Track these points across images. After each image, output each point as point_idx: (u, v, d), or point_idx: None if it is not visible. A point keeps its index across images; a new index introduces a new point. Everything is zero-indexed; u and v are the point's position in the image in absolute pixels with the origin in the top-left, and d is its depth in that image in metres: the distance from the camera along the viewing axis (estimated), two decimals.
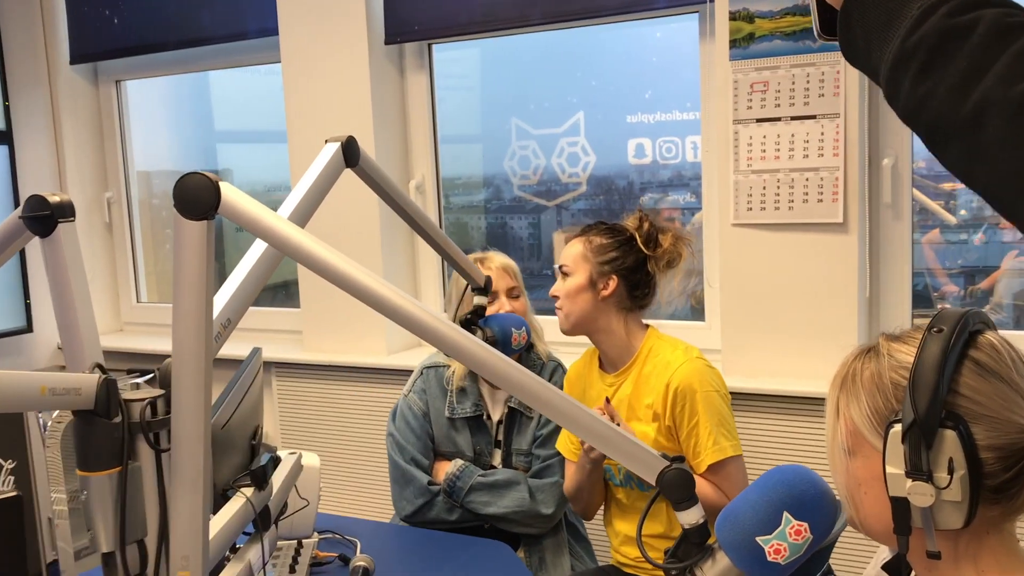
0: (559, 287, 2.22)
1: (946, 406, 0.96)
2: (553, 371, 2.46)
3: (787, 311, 2.66)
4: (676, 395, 2.07)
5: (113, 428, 1.11)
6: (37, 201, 1.25)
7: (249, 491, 1.46)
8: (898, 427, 0.97)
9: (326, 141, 1.55)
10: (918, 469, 0.95)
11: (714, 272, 2.83)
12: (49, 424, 3.38)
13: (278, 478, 1.68)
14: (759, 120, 2.65)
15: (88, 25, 3.85)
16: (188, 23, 3.62)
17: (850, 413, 1.05)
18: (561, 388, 2.39)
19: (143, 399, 1.15)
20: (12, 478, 3.47)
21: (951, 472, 0.95)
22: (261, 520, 1.51)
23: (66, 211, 1.27)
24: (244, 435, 1.73)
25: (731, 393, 2.66)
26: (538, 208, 3.47)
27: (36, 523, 3.48)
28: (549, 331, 2.58)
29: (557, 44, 3.34)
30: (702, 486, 2.08)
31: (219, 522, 1.34)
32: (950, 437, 0.95)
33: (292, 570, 1.97)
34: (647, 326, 2.25)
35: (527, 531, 2.31)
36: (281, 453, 2.14)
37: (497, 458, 2.40)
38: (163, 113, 4.25)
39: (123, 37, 3.78)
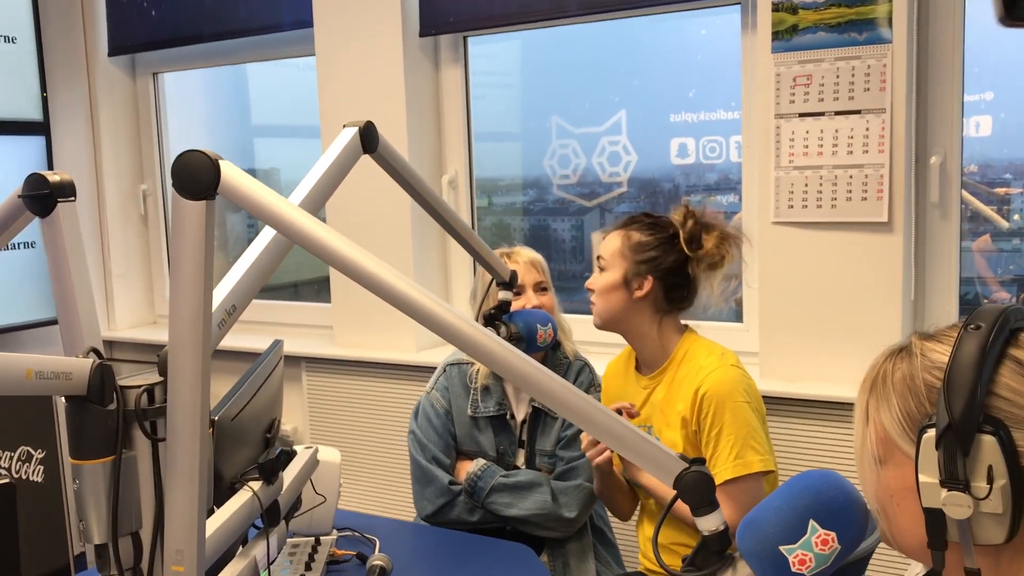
0: (594, 280, 2.14)
1: (984, 409, 0.88)
2: (580, 371, 2.39)
3: (828, 313, 2.57)
4: (703, 401, 1.98)
5: (107, 415, 1.07)
6: (36, 180, 1.21)
7: (257, 485, 1.41)
8: (931, 432, 0.89)
9: (344, 126, 1.49)
10: (954, 478, 0.87)
11: (753, 272, 2.74)
12: None
13: (291, 473, 1.63)
14: (802, 115, 2.56)
15: (126, 17, 3.86)
16: (224, 15, 3.61)
17: (880, 418, 0.97)
18: (586, 388, 2.33)
19: (139, 386, 1.11)
20: (42, 467, 3.49)
21: (991, 481, 0.87)
22: (268, 515, 1.46)
23: (66, 190, 1.24)
24: (258, 428, 1.69)
25: (768, 397, 2.58)
26: (581, 210, 3.40)
27: (65, 514, 3.49)
28: (578, 330, 2.51)
29: (599, 41, 3.28)
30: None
31: (222, 516, 1.29)
32: (989, 443, 0.87)
33: (308, 567, 1.92)
34: (685, 327, 2.16)
35: (549, 534, 2.24)
36: (302, 448, 2.11)
37: (521, 458, 2.33)
38: (201, 107, 4.25)
39: (160, 29, 3.78)
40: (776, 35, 2.57)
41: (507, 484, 2.24)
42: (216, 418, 1.42)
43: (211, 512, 1.32)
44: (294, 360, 3.50)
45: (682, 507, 1.82)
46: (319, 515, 2.07)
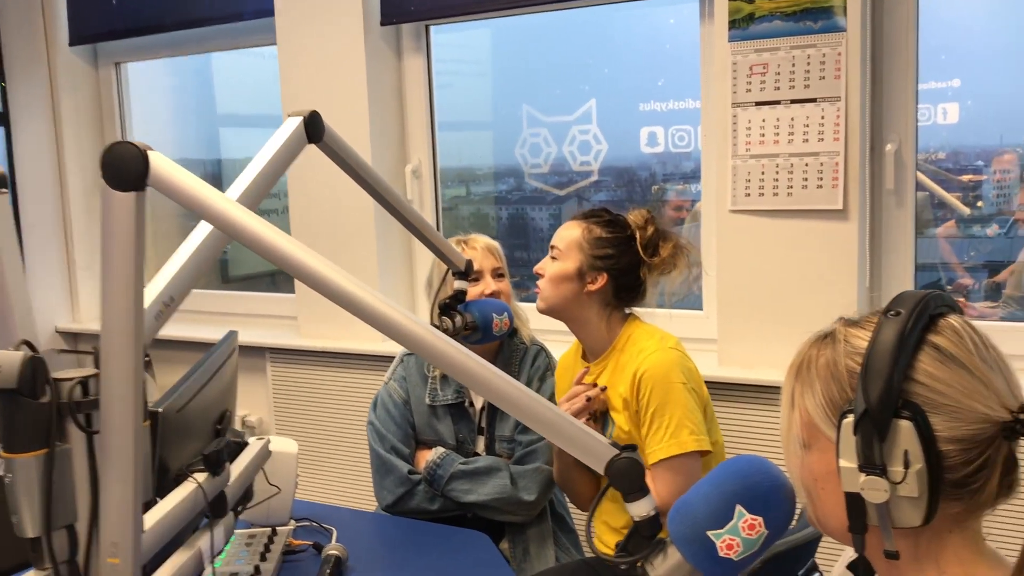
0: (545, 266, 2.15)
1: (902, 394, 0.90)
2: (536, 356, 2.40)
3: (784, 300, 2.59)
4: (641, 381, 2.00)
5: (39, 408, 1.07)
6: None
7: (202, 476, 1.41)
8: (851, 417, 0.90)
9: (288, 115, 1.49)
10: (871, 463, 0.89)
11: (711, 261, 2.76)
12: None
13: (240, 464, 1.63)
14: (758, 103, 2.58)
15: (87, 6, 3.82)
16: (186, 4, 3.58)
17: (805, 403, 0.98)
18: (543, 373, 2.35)
19: (72, 378, 1.10)
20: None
21: (907, 466, 0.88)
22: (214, 507, 1.46)
23: None
24: (207, 419, 1.69)
25: (726, 384, 2.61)
26: (558, 199, 3.41)
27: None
28: (534, 316, 2.52)
29: (569, 31, 3.29)
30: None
31: (164, 507, 1.29)
32: (905, 428, 0.88)
33: (263, 558, 1.92)
34: (629, 314, 2.18)
35: (510, 519, 2.25)
36: (254, 439, 2.11)
37: (480, 445, 2.34)
38: (165, 97, 4.22)
39: (122, 18, 3.75)
40: (733, 24, 2.58)
41: (466, 471, 2.25)
42: (160, 410, 1.42)
43: (154, 504, 1.33)
44: (258, 351, 3.49)
45: None
46: (276, 505, 2.07)
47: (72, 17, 3.86)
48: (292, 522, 2.11)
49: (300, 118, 1.48)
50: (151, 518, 1.23)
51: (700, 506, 1.00)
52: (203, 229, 1.29)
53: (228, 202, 1.04)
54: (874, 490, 0.89)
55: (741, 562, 0.99)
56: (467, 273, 2.02)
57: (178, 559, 1.37)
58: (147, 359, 3.55)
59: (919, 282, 2.74)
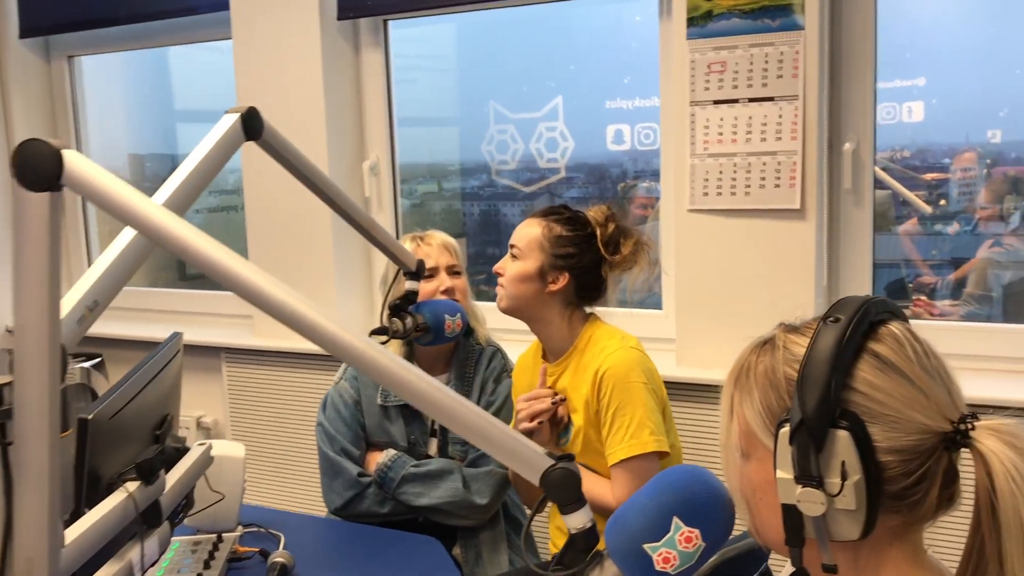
0: (505, 266, 2.12)
1: (840, 403, 0.87)
2: (492, 357, 2.36)
3: (742, 300, 2.57)
4: (602, 381, 1.98)
5: None
6: None
7: (134, 486, 1.36)
8: (788, 427, 0.88)
9: (226, 112, 1.44)
10: (807, 474, 0.86)
11: (670, 260, 2.74)
12: None
13: (179, 471, 1.58)
14: (716, 102, 2.55)
15: None
16: None
17: (743, 411, 0.95)
18: (498, 374, 2.32)
19: None
20: None
21: (844, 478, 0.85)
22: (147, 517, 1.41)
23: None
24: (145, 425, 1.64)
25: (684, 384, 2.59)
26: (530, 195, 3.38)
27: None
28: (493, 317, 2.48)
29: (535, 27, 3.27)
30: (599, 487, 1.99)
31: (90, 519, 1.24)
32: (843, 438, 0.86)
33: (207, 565, 1.88)
34: (590, 314, 2.16)
35: (462, 523, 2.22)
36: (211, 443, 2.06)
37: (433, 447, 2.30)
38: (121, 91, 4.14)
39: (74, 10, 3.66)
40: (691, 21, 2.56)
41: (417, 474, 2.21)
42: (90, 417, 1.37)
43: (81, 515, 1.28)
44: (214, 351, 3.43)
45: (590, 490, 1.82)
46: (222, 511, 2.02)
47: (23, 9, 3.77)
48: (239, 528, 2.07)
49: (237, 115, 1.43)
50: (75, 531, 1.18)
51: (636, 518, 0.97)
52: (131, 230, 1.24)
53: (149, 204, 1.00)
54: (811, 502, 0.86)
55: None
56: (419, 273, 1.98)
57: (107, 571, 1.32)
58: (100, 359, 3.47)
59: (882, 279, 2.74)
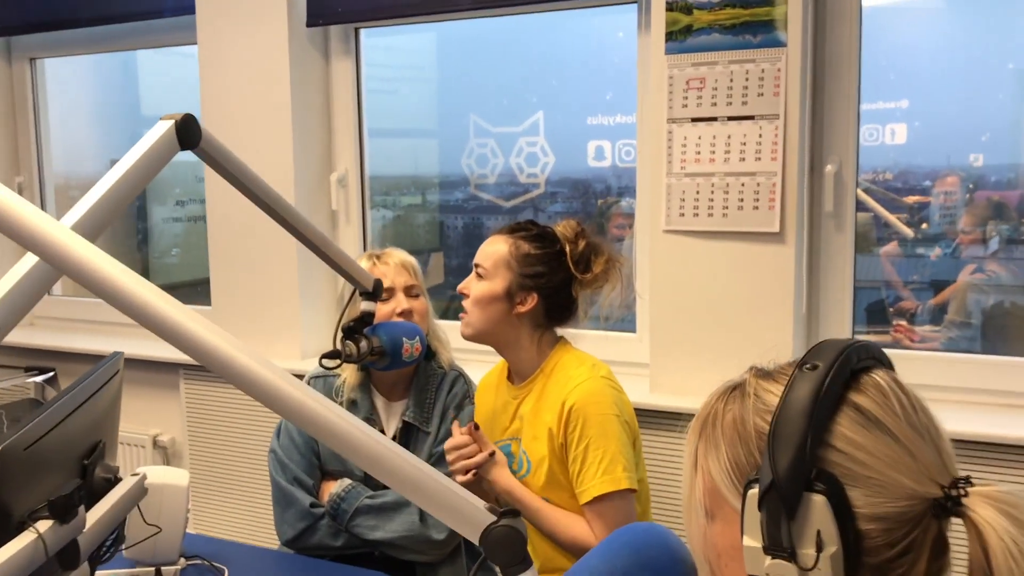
0: (470, 286, 2.01)
1: (816, 463, 0.76)
2: (454, 382, 2.25)
3: (718, 326, 2.47)
4: (571, 413, 1.87)
5: None
6: None
7: (45, 525, 1.24)
8: (757, 488, 0.77)
9: (161, 118, 1.33)
10: (777, 544, 0.76)
11: (645, 282, 2.64)
12: None
13: (106, 504, 1.46)
14: (694, 120, 2.46)
15: None
16: None
17: (708, 466, 0.85)
18: (460, 400, 2.21)
19: None
20: None
21: (819, 549, 0.75)
22: (63, 558, 1.29)
23: None
24: (71, 454, 1.51)
25: (657, 411, 2.49)
26: (513, 209, 3.29)
27: None
28: (458, 339, 2.37)
29: (516, 41, 3.20)
30: (578, 526, 1.89)
31: None
32: (818, 503, 0.75)
33: None
34: (559, 337, 2.05)
35: (418, 558, 2.10)
36: (152, 470, 1.94)
37: None
38: (87, 95, 4.02)
39: (36, 11, 3.54)
40: (670, 36, 2.47)
41: (372, 506, 2.09)
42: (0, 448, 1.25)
43: None
44: (171, 367, 3.30)
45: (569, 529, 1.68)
46: (163, 543, 1.90)
47: None
48: (181, 561, 1.94)
49: (171, 122, 1.32)
50: None
51: None
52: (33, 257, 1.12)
53: (27, 208, 0.88)
54: None
55: None
56: (376, 293, 1.87)
57: None
58: (53, 374, 3.33)
59: (862, 301, 2.66)
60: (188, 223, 3.93)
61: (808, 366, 0.79)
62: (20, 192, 3.80)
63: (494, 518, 0.89)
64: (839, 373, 0.79)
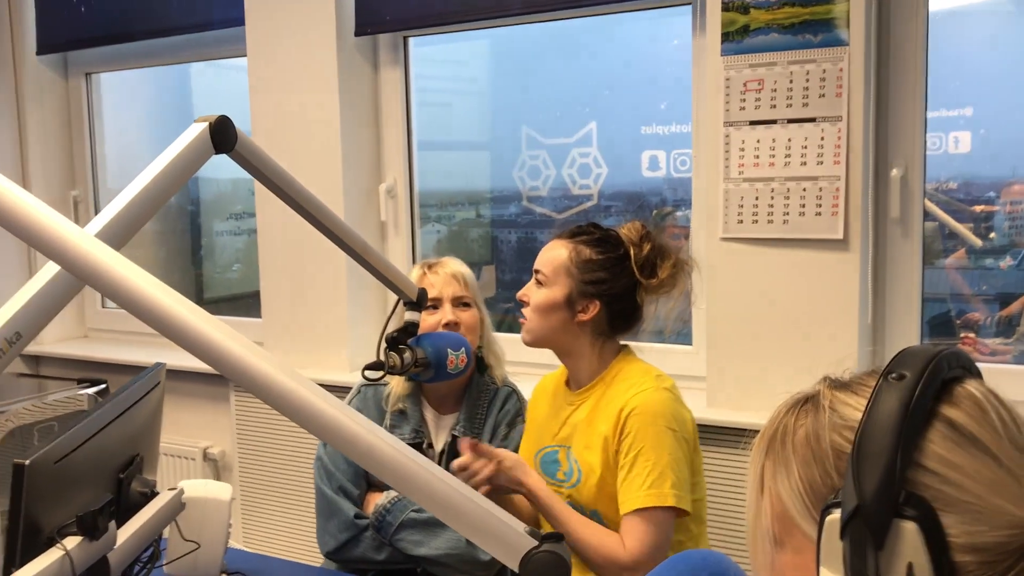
0: (530, 293, 1.93)
1: (907, 485, 0.67)
2: (507, 399, 2.18)
3: (778, 337, 2.37)
4: (628, 419, 1.78)
5: None
6: None
7: (73, 542, 1.20)
8: (837, 513, 0.68)
9: (195, 120, 1.29)
10: None
11: (701, 292, 2.55)
12: None
13: (140, 520, 1.42)
14: (752, 123, 2.37)
15: (56, 14, 3.64)
16: (155, 12, 3.41)
17: (777, 488, 0.75)
18: (512, 418, 2.14)
19: None
20: None
21: None
22: (93, 575, 1.25)
23: None
24: (106, 468, 1.47)
25: (714, 427, 2.39)
26: (568, 224, 3.23)
27: None
28: (514, 351, 2.30)
29: (570, 51, 3.15)
30: (607, 541, 1.78)
31: None
32: (910, 532, 0.65)
33: None
34: (624, 347, 1.96)
35: None
36: (194, 483, 1.90)
37: None
38: (140, 109, 4.05)
39: (90, 26, 3.58)
40: (726, 36, 2.38)
41: (418, 520, 2.03)
42: (27, 462, 1.21)
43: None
44: (222, 380, 3.29)
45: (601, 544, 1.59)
46: (204, 558, 1.86)
47: (40, 26, 3.69)
48: None
49: (205, 124, 1.28)
50: None
51: None
52: None
53: (46, 213, 0.84)
54: None
55: None
56: (420, 303, 1.81)
57: None
58: (104, 386, 3.30)
59: (927, 314, 2.53)
60: (248, 236, 3.94)
61: (894, 375, 0.70)
62: (76, 206, 3.84)
63: (535, 543, 0.82)
64: (929, 384, 0.69)
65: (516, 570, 0.82)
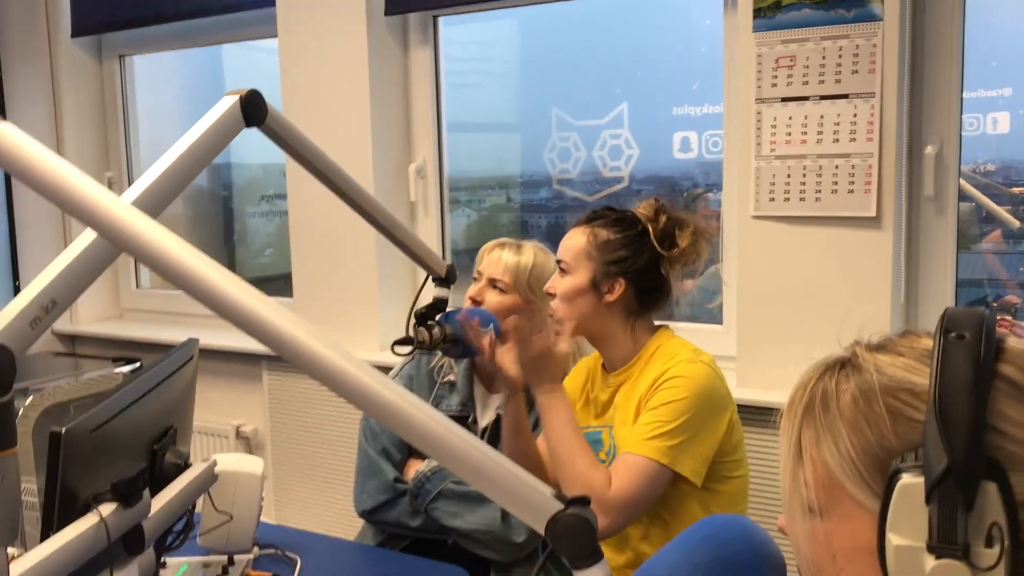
0: (555, 284, 1.93)
1: (987, 448, 0.66)
2: None
3: (810, 316, 2.35)
4: (662, 384, 1.78)
5: None
6: None
7: (109, 508, 1.22)
8: (908, 477, 0.67)
9: (226, 94, 1.30)
10: (950, 540, 0.65)
11: (732, 271, 2.53)
12: (21, 412, 3.21)
13: (173, 490, 1.44)
14: (784, 99, 2.35)
15: None
16: None
17: (822, 455, 0.74)
18: None
19: None
20: None
21: (991, 544, 0.64)
22: (128, 543, 1.27)
23: None
24: (140, 439, 1.50)
25: (744, 406, 2.37)
26: (599, 206, 3.22)
27: (20, 523, 3.31)
28: None
29: (600, 31, 3.12)
30: (597, 470, 1.74)
31: (50, 547, 1.10)
32: (992, 493, 0.65)
33: None
34: (659, 326, 1.95)
35: (494, 556, 2.03)
36: (227, 457, 1.92)
37: None
38: (173, 91, 4.08)
39: (123, 9, 3.61)
40: (758, 12, 2.36)
41: (456, 492, 2.03)
42: (63, 430, 1.23)
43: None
44: (254, 358, 3.32)
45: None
46: (236, 532, 1.88)
47: (75, 8, 3.73)
48: (255, 549, 1.92)
49: (236, 97, 1.29)
50: (26, 562, 1.04)
51: None
52: None
53: (77, 176, 0.85)
54: None
55: None
56: (448, 280, 1.82)
57: None
58: (139, 364, 3.35)
59: (963, 299, 2.50)
60: (280, 219, 3.97)
61: (955, 335, 0.68)
62: (110, 187, 3.87)
63: (561, 506, 0.82)
64: (988, 343, 0.68)
65: (542, 533, 0.82)
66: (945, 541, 0.65)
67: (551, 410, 1.80)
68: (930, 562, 0.65)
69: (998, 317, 2.62)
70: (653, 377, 1.82)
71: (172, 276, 0.84)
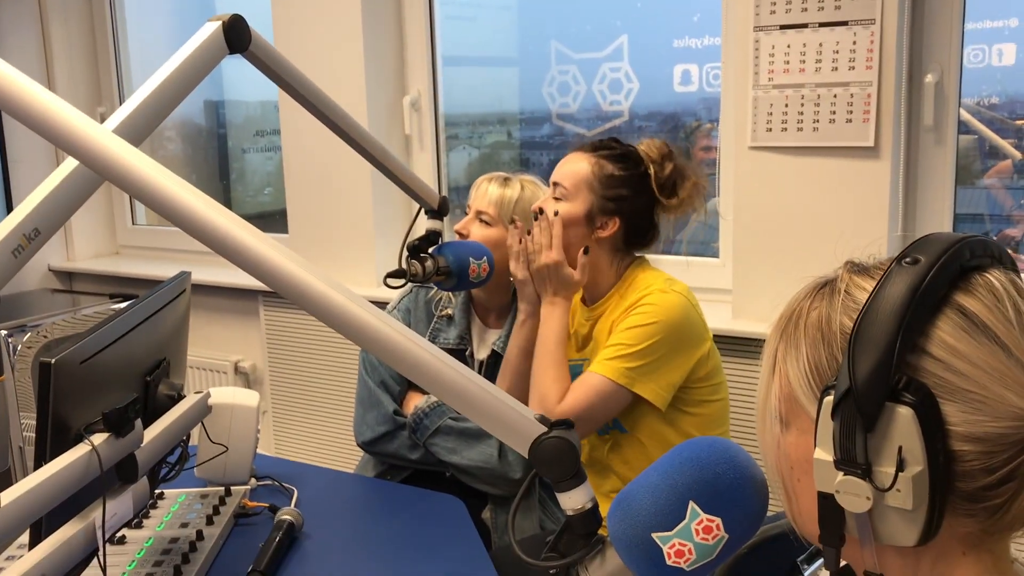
0: (547, 205, 1.90)
1: (906, 370, 0.66)
2: None
3: (806, 248, 2.34)
4: (633, 311, 1.79)
5: None
6: None
7: (100, 438, 1.23)
8: (830, 396, 0.68)
9: (209, 20, 1.28)
10: (850, 459, 0.67)
11: (728, 203, 2.51)
12: (19, 348, 3.23)
13: (166, 421, 1.45)
14: (783, 27, 2.30)
15: None
16: None
17: (787, 369, 0.75)
18: None
19: None
20: None
21: (900, 468, 0.65)
22: (122, 471, 1.28)
23: None
24: (132, 370, 1.50)
25: (739, 338, 2.38)
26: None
27: (8, 451, 3.34)
28: None
29: None
30: (557, 385, 1.79)
31: (41, 475, 1.11)
32: (904, 417, 0.65)
33: (211, 521, 1.75)
34: (637, 257, 1.94)
35: (490, 490, 2.05)
36: (223, 390, 1.93)
37: None
38: (165, 27, 4.02)
39: None
40: None
41: (454, 428, 2.04)
42: (53, 361, 1.23)
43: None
44: (251, 294, 3.32)
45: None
46: (233, 463, 1.90)
47: None
48: (252, 481, 1.94)
49: (219, 23, 1.26)
50: (17, 490, 1.05)
51: (645, 500, 0.79)
52: None
53: (60, 106, 0.83)
54: (852, 495, 0.67)
55: (694, 572, 0.78)
56: (442, 211, 1.81)
57: (66, 532, 1.19)
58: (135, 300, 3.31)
59: (961, 231, 2.48)
60: (277, 155, 3.94)
61: (908, 260, 0.69)
62: (102, 121, 3.84)
63: (544, 429, 0.82)
64: (944, 269, 0.68)
65: (525, 455, 0.82)
66: (846, 458, 0.67)
67: (546, 320, 1.83)
68: (838, 477, 0.68)
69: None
70: (626, 306, 1.83)
71: (150, 201, 0.83)
